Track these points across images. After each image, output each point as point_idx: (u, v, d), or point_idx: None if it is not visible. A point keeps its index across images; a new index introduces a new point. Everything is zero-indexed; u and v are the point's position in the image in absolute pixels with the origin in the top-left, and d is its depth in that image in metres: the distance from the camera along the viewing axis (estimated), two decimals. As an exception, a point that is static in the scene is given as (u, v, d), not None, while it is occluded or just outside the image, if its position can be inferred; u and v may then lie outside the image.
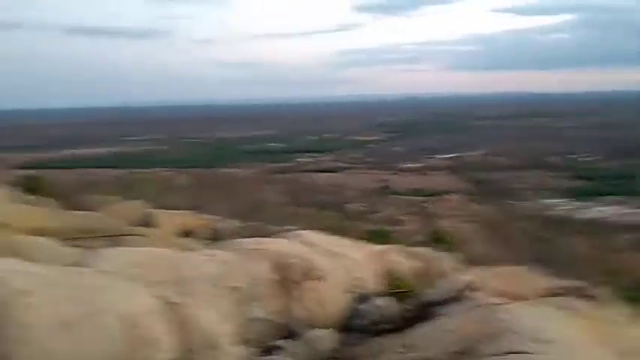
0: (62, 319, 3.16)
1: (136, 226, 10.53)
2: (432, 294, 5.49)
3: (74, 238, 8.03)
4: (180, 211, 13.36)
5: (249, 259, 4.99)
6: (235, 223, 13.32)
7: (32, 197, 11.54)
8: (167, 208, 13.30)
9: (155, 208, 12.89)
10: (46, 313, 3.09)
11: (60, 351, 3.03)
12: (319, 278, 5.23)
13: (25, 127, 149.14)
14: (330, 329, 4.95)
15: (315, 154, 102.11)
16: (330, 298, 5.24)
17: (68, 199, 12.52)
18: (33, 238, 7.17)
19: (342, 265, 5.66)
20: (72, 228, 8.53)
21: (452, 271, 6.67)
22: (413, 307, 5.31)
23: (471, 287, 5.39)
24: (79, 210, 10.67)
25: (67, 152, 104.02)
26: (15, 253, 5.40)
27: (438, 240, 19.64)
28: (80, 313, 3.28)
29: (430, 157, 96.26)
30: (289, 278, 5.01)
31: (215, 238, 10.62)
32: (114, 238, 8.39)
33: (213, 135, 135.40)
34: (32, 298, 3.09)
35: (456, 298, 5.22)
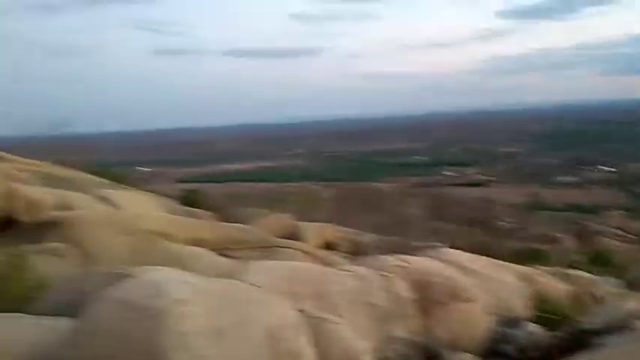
0: (214, 328, 3.33)
1: (284, 238, 10.98)
2: (589, 322, 5.04)
3: (227, 249, 8.56)
4: (324, 224, 13.72)
5: (389, 277, 4.95)
6: (377, 237, 13.38)
7: (190, 209, 12.49)
8: (313, 221, 13.73)
9: (302, 220, 13.36)
10: (199, 322, 3.28)
11: (212, 359, 3.20)
12: (466, 300, 5.05)
13: (184, 144, 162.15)
14: (473, 353, 4.75)
15: (461, 167, 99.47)
16: (474, 320, 5.03)
17: (222, 212, 13.38)
18: (191, 248, 7.76)
19: (488, 287, 5.42)
20: (225, 239, 9.10)
21: (613, 297, 6.12)
22: (566, 336, 4.91)
23: (636, 316, 4.87)
24: (231, 222, 11.35)
25: (221, 167, 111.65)
26: (175, 261, 5.86)
27: (597, 261, 18.20)
28: (230, 322, 3.45)
29: (587, 170, 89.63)
30: (431, 298, 4.89)
31: (357, 251, 10.75)
32: (264, 249, 8.82)
33: (358, 149, 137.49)
34: (187, 307, 3.29)
35: (618, 327, 4.73)
